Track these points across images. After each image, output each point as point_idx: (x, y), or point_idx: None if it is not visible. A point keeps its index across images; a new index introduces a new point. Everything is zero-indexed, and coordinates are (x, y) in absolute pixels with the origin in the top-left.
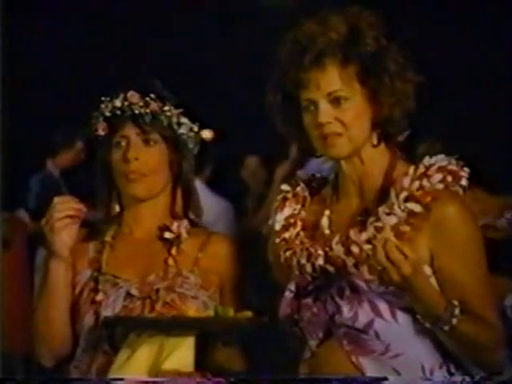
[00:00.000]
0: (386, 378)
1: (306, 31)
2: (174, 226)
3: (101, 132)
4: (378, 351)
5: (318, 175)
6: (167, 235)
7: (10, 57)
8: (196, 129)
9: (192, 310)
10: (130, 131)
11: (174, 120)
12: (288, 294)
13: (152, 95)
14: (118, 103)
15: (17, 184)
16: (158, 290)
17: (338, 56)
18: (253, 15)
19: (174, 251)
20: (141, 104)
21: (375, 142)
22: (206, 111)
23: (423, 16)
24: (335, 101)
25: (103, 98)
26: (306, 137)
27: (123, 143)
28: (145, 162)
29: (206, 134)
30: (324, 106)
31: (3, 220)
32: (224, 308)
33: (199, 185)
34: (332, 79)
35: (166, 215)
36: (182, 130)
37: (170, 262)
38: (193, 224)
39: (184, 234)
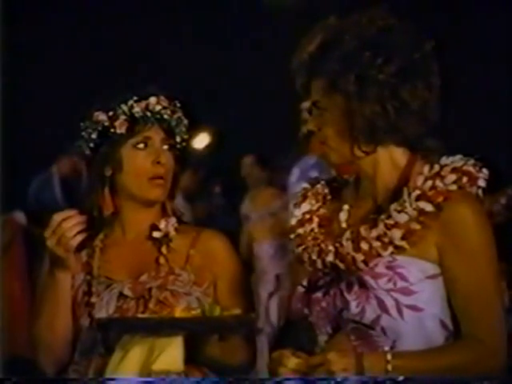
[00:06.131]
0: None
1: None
2: (162, 225)
3: (119, 130)
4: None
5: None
6: (156, 234)
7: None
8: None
9: (179, 310)
10: (154, 134)
11: (183, 129)
12: (300, 289)
13: (177, 103)
14: (151, 104)
15: (16, 185)
16: (150, 289)
17: (314, 69)
18: (252, 16)
19: (164, 250)
20: (169, 111)
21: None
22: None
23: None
24: (316, 110)
25: (134, 97)
26: None
27: (149, 144)
28: (166, 166)
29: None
30: (307, 115)
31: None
32: (211, 306)
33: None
34: (314, 91)
35: (159, 217)
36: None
37: (162, 260)
38: (181, 222)
39: (172, 232)
